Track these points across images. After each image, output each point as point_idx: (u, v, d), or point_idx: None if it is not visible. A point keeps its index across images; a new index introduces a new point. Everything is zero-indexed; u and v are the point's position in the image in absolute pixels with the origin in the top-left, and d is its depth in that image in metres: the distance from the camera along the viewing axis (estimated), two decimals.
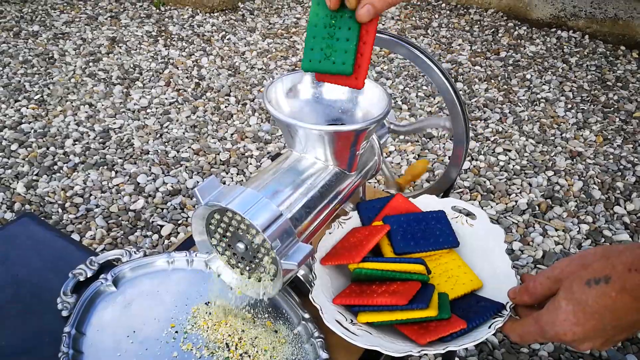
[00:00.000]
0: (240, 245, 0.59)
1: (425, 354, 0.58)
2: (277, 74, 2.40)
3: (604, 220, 1.67)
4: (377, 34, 0.75)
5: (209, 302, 0.67)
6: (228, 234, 0.60)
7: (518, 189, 1.80)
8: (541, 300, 0.54)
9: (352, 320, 0.59)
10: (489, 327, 0.57)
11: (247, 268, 0.61)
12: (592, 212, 1.70)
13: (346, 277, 0.66)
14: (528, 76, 2.42)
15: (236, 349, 0.61)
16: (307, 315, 0.64)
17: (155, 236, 1.59)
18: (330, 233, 0.69)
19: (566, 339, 0.50)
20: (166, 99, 2.23)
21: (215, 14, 2.91)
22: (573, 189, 1.79)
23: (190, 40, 2.66)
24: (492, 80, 2.39)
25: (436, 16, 2.93)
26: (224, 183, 1.81)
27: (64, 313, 0.66)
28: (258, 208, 0.56)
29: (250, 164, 1.89)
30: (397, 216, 0.70)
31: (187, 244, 0.75)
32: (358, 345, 0.56)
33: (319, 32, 0.57)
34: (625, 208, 1.72)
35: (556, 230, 1.64)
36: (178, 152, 1.93)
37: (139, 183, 1.78)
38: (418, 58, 0.72)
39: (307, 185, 0.64)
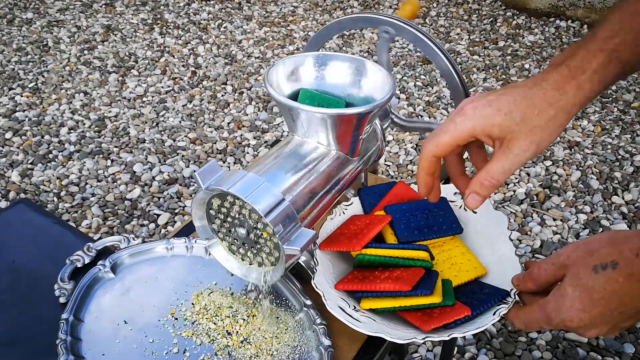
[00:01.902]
0: (242, 231, 0.58)
1: (425, 341, 0.57)
2: (273, 62, 2.38)
3: (601, 210, 1.67)
4: (381, 18, 0.74)
5: (209, 289, 0.66)
6: (229, 219, 0.59)
7: (516, 178, 1.79)
8: (545, 287, 0.54)
9: (354, 307, 0.59)
10: (493, 314, 0.57)
11: (249, 254, 0.60)
12: (590, 202, 1.70)
13: (348, 263, 0.65)
14: (526, 66, 2.41)
15: (237, 336, 0.61)
16: (309, 302, 0.63)
17: (152, 225, 1.58)
18: (331, 219, 0.68)
19: (572, 326, 0.49)
20: (162, 87, 2.21)
21: (212, 2, 2.88)
22: (571, 179, 1.79)
23: (186, 28, 2.64)
24: (491, 70, 2.38)
25: (434, 5, 2.91)
26: None
27: (62, 300, 0.65)
28: (260, 192, 0.55)
29: (247, 152, 1.87)
30: (398, 205, 0.69)
31: (187, 230, 0.74)
32: (361, 331, 0.55)
33: None
34: (623, 198, 1.72)
35: (554, 220, 1.64)
36: (174, 140, 1.92)
37: (135, 172, 1.77)
38: (422, 42, 0.71)
39: (309, 170, 0.62)
